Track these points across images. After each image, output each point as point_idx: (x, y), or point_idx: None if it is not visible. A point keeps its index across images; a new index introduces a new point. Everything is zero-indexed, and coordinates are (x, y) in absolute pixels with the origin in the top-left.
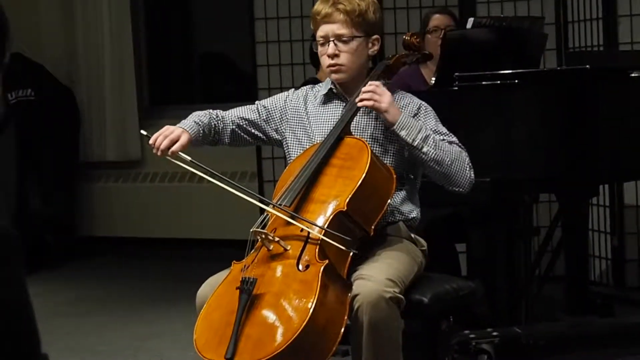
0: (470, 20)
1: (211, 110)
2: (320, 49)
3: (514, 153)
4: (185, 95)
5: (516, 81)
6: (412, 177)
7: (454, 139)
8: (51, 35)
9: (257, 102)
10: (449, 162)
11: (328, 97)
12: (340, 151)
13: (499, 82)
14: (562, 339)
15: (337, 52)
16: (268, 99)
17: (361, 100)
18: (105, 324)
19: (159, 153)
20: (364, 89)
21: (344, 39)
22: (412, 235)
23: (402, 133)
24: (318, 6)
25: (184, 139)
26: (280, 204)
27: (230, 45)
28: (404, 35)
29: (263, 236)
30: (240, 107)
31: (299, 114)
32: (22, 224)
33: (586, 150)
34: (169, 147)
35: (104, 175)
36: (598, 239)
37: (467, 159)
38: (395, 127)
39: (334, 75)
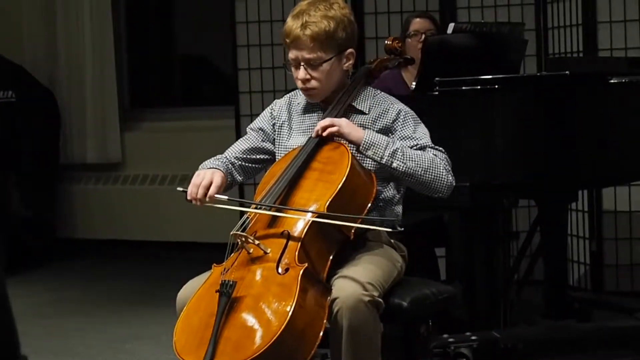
0: (451, 26)
1: (216, 157)
2: (293, 70)
3: (494, 158)
4: (165, 98)
5: (496, 86)
6: (393, 184)
7: (429, 142)
8: (32, 37)
9: (247, 128)
10: (422, 172)
11: (308, 106)
12: (321, 155)
13: (479, 87)
14: (540, 343)
15: (307, 77)
16: (255, 120)
17: (316, 133)
18: (84, 325)
19: (198, 203)
20: (316, 128)
21: (314, 64)
22: (392, 241)
23: (369, 153)
24: (288, 23)
25: (216, 179)
26: (260, 206)
27: (211, 48)
28: (386, 39)
29: (243, 239)
30: (237, 143)
31: (282, 122)
32: (1, 226)
33: (565, 156)
34: (205, 194)
35: (84, 178)
36: (577, 244)
37: (444, 162)
38: (361, 147)
39: (308, 98)
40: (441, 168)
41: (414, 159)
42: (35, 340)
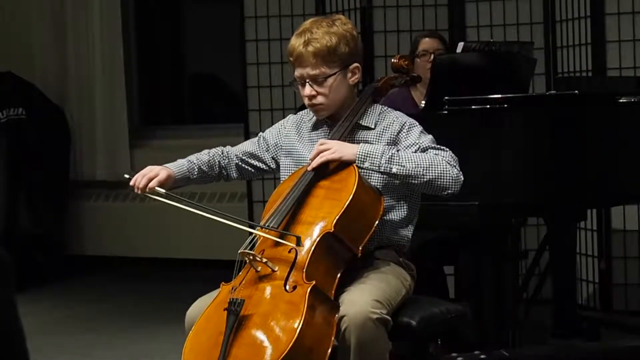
0: (460, 45)
1: (220, 148)
2: (299, 88)
3: (503, 177)
4: (175, 116)
5: (505, 106)
6: (405, 204)
7: (431, 144)
8: (43, 55)
9: (259, 133)
10: (423, 171)
11: (317, 123)
12: (328, 173)
13: (488, 106)
14: None
15: (313, 93)
16: (268, 129)
17: (312, 167)
18: (94, 343)
19: (138, 192)
20: (309, 157)
21: (319, 80)
22: (401, 259)
23: (366, 165)
24: (292, 41)
25: (162, 175)
26: (267, 226)
27: (221, 66)
28: (393, 58)
29: (251, 257)
30: (245, 142)
31: (291, 140)
32: (11, 243)
33: (574, 175)
34: (146, 185)
35: (94, 195)
36: (585, 263)
37: (447, 158)
38: (356, 162)
39: (316, 114)
40: (444, 163)
41: (412, 160)
42: (44, 357)
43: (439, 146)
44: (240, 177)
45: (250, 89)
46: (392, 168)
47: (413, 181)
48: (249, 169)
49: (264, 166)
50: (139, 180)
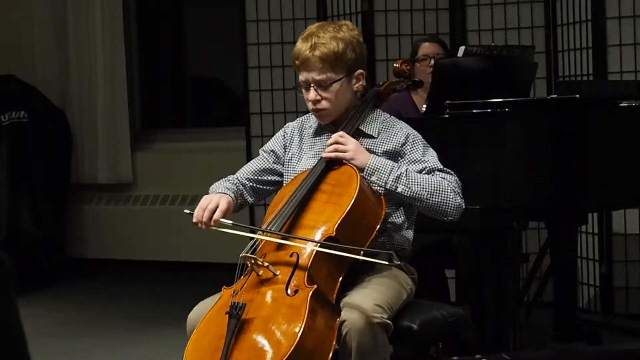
0: (462, 49)
1: (227, 177)
2: (304, 92)
3: (504, 181)
4: (177, 119)
5: (506, 110)
6: (403, 209)
7: (438, 165)
8: (44, 58)
9: (260, 150)
10: (428, 195)
11: (319, 129)
12: (329, 177)
13: (489, 110)
14: None
15: (318, 97)
16: (268, 143)
17: (326, 153)
18: (95, 345)
19: (203, 227)
20: (328, 142)
21: (324, 85)
22: (402, 263)
23: (373, 178)
24: (298, 45)
25: (222, 204)
26: (269, 230)
27: (222, 69)
28: (395, 62)
29: (252, 261)
30: (248, 164)
31: (294, 145)
32: (13, 245)
33: (575, 179)
34: (210, 218)
35: (96, 198)
36: (586, 267)
37: (452, 185)
38: (364, 173)
39: (320, 119)
40: (448, 190)
41: (419, 183)
42: (46, 359)
43: (445, 168)
44: (255, 199)
45: (251, 93)
46: (397, 187)
47: (416, 203)
48: (264, 187)
49: (279, 178)
50: (200, 214)
